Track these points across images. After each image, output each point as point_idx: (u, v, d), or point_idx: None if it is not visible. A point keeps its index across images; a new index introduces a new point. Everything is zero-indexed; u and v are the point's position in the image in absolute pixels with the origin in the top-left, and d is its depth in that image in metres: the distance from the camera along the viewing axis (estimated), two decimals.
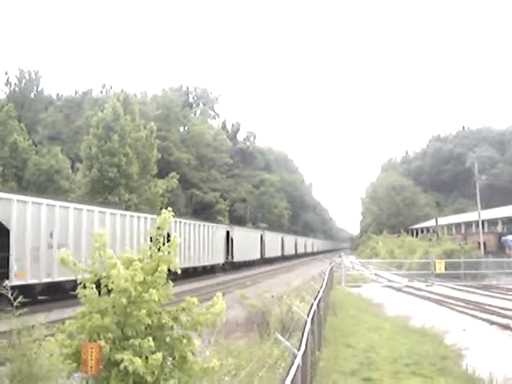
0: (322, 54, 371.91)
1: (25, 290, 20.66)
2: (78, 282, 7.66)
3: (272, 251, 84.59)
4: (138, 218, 36.14)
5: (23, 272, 24.14)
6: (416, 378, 13.08)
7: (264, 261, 77.05)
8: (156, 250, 7.94)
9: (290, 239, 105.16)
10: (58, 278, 25.14)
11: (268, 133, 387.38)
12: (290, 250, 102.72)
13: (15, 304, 7.46)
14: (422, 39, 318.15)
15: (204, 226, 51.04)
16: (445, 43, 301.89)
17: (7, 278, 22.52)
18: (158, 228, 8.14)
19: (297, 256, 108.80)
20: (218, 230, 56.02)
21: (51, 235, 26.31)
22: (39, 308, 20.78)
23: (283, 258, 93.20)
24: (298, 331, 10.98)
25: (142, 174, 64.90)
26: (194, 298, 7.87)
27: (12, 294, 7.50)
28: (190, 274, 44.12)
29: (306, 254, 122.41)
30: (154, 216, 38.28)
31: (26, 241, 24.56)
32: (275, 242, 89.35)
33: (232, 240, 60.44)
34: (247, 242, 67.89)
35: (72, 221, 27.93)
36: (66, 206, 28.26)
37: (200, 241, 48.64)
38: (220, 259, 55.82)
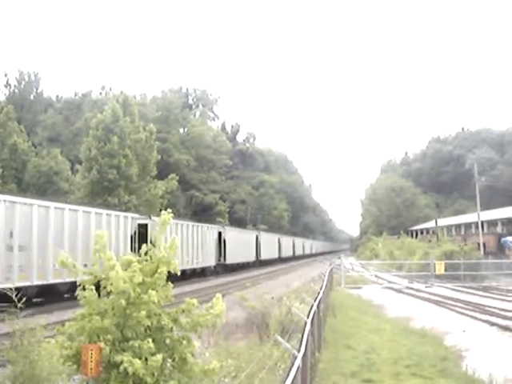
0: (322, 56, 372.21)
1: None
2: (78, 283, 7.66)
3: (268, 253, 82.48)
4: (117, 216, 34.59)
5: None
6: (416, 379, 13.06)
7: (260, 263, 75.25)
8: (155, 252, 7.95)
9: (287, 240, 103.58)
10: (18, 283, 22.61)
11: (268, 134, 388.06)
12: (287, 252, 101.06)
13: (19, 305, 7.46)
14: (422, 40, 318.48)
15: (193, 226, 49.09)
16: (444, 44, 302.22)
17: None
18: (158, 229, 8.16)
19: (295, 258, 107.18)
20: (209, 231, 53.98)
21: (11, 235, 24.41)
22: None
23: (280, 260, 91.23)
24: (298, 333, 10.97)
25: (141, 176, 64.93)
26: (193, 299, 7.88)
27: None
28: (176, 277, 42.64)
29: (304, 256, 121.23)
30: (137, 215, 38.14)
31: None
32: (271, 244, 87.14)
33: (224, 241, 58.06)
34: (241, 244, 65.18)
35: (36, 220, 25.79)
36: (29, 204, 26.03)
37: (189, 242, 46.55)
38: (211, 261, 53.80)
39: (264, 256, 78.90)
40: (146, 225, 37.66)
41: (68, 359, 7.28)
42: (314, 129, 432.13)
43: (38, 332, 7.32)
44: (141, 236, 35.91)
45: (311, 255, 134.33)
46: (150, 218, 38.12)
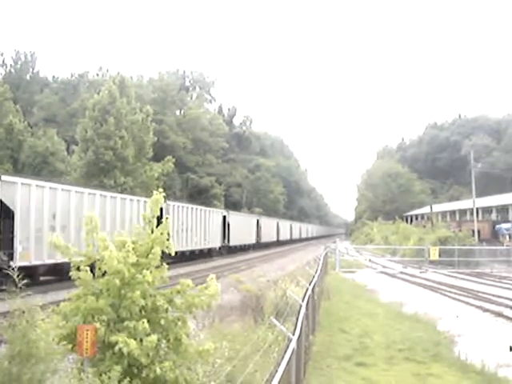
0: (319, 40, 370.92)
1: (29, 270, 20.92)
2: (72, 264, 7.67)
3: (267, 236, 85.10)
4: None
5: (28, 253, 24.38)
6: (409, 363, 13.15)
7: (259, 245, 77.78)
8: (149, 232, 7.97)
9: (285, 224, 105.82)
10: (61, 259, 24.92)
11: (264, 118, 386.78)
12: (285, 235, 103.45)
13: (19, 285, 7.44)
14: (419, 27, 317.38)
15: (201, 210, 51.52)
16: (441, 31, 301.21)
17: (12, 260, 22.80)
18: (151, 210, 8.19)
19: (292, 241, 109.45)
20: (215, 215, 56.69)
21: (54, 217, 26.65)
22: (42, 289, 20.74)
23: (278, 242, 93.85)
24: (293, 316, 11.02)
25: (137, 158, 64.74)
26: (188, 280, 7.89)
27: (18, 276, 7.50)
28: (187, 257, 44.63)
29: (300, 240, 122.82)
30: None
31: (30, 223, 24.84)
32: (271, 227, 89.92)
33: (229, 224, 60.97)
34: (243, 227, 68.41)
35: (74, 204, 28.30)
36: (68, 189, 28.79)
37: (197, 225, 48.97)
38: (217, 243, 56.36)
39: (264, 239, 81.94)
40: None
41: (63, 338, 7.30)
42: (310, 113, 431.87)
43: (36, 312, 7.30)
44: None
45: (307, 239, 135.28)
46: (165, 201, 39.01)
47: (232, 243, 62.22)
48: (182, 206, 45.83)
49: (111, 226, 30.44)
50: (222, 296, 9.38)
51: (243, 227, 68.45)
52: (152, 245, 7.75)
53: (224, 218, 60.24)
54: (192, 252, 47.52)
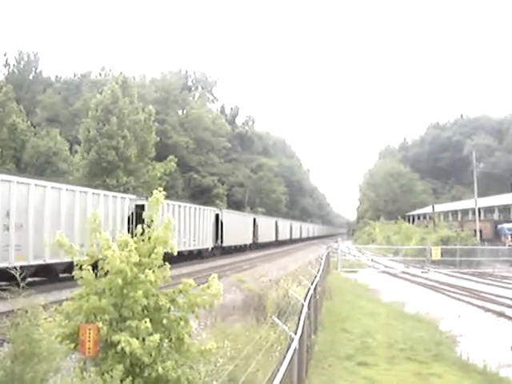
0: (321, 40, 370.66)
1: None
2: (75, 263, 7.70)
3: (265, 236, 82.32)
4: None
5: None
6: (411, 363, 13.17)
7: (257, 246, 75.31)
8: (152, 232, 7.99)
9: (284, 224, 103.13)
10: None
11: (266, 118, 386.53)
12: (284, 235, 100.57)
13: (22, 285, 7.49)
14: (421, 26, 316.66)
15: (190, 208, 48.21)
16: (443, 31, 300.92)
17: None
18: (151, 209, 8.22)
19: (292, 241, 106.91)
20: (206, 213, 53.38)
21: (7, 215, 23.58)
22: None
23: (277, 243, 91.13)
24: (295, 315, 11.04)
25: (140, 157, 64.82)
26: (190, 279, 7.92)
27: None
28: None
29: (301, 239, 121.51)
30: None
31: None
32: (269, 227, 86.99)
33: (222, 223, 57.76)
34: (238, 226, 64.90)
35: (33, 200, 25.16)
36: (27, 183, 25.30)
37: (186, 223, 45.83)
38: (208, 243, 53.32)
39: (261, 239, 79.03)
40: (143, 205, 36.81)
41: (65, 338, 7.33)
42: (312, 113, 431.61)
43: (39, 311, 7.35)
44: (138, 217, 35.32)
45: (308, 238, 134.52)
46: (147, 199, 37.69)
47: (226, 243, 58.82)
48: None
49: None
50: (224, 295, 9.40)
51: (238, 226, 64.80)
52: (154, 244, 7.78)
53: (217, 216, 57.26)
54: (180, 253, 44.05)
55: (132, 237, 7.80)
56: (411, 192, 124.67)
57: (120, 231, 29.23)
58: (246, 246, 70.31)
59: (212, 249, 54.64)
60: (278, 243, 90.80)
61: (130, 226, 33.73)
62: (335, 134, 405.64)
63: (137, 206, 36.33)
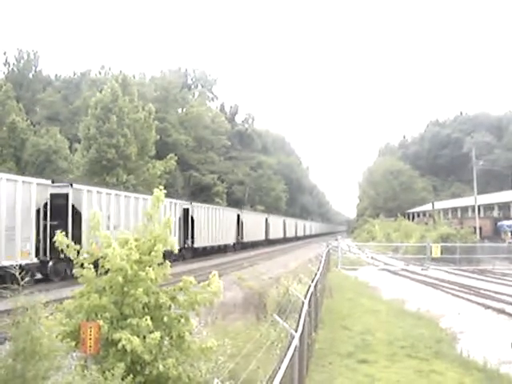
0: (321, 38, 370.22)
1: None
2: (75, 262, 7.71)
3: (275, 233, 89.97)
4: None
5: None
6: (411, 360, 13.17)
7: (268, 242, 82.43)
8: (152, 230, 8.00)
9: (290, 222, 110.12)
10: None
11: (266, 115, 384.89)
12: (290, 233, 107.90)
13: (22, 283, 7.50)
14: (420, 24, 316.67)
15: (218, 209, 57.65)
16: (442, 28, 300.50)
17: None
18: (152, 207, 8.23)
19: (296, 238, 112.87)
20: (230, 214, 62.96)
21: None
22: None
23: (284, 239, 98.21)
24: (295, 313, 11.05)
25: (140, 155, 64.83)
26: (190, 277, 7.93)
27: None
28: (207, 252, 50.60)
29: (304, 237, 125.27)
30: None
31: None
32: (278, 225, 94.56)
33: (242, 222, 66.40)
34: (254, 225, 73.63)
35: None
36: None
37: (214, 223, 53.73)
38: (232, 239, 62.18)
39: (272, 236, 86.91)
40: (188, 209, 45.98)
41: (66, 336, 7.34)
42: (312, 111, 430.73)
43: (39, 309, 7.35)
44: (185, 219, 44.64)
45: (310, 236, 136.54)
46: (191, 203, 48.21)
47: (245, 239, 67.69)
48: (202, 207, 50.60)
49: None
50: (225, 293, 9.41)
51: (254, 225, 73.57)
52: (154, 242, 7.78)
53: (238, 216, 65.63)
54: (212, 247, 52.82)
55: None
56: (411, 189, 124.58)
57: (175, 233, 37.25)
58: (260, 242, 77.95)
59: (234, 244, 63.16)
60: (285, 240, 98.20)
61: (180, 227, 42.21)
62: (334, 132, 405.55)
63: (184, 209, 44.56)
